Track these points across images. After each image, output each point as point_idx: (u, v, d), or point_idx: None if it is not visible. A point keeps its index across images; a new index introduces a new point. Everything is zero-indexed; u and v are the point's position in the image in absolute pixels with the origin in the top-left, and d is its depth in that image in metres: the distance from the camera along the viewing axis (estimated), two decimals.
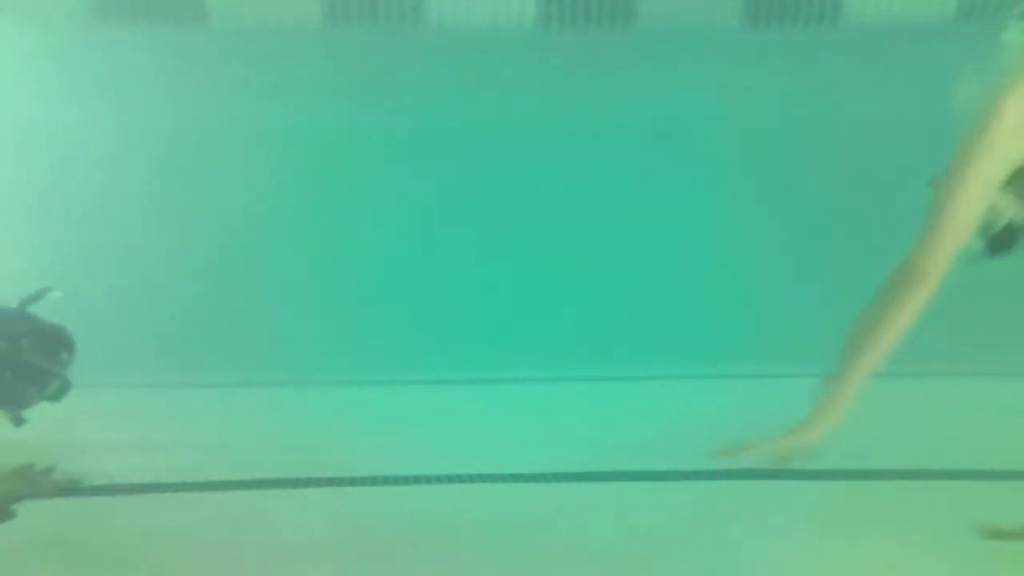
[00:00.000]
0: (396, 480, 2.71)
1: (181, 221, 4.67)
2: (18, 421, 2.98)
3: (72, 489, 2.58)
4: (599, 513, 2.41)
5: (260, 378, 4.42)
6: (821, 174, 4.59)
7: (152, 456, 3.07)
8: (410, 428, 3.59)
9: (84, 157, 4.66)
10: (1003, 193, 1.82)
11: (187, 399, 4.08)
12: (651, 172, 4.85)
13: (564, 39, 4.64)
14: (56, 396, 2.99)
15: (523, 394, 4.31)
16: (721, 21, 4.51)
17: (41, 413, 2.92)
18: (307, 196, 4.90)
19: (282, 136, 4.82)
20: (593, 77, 4.81)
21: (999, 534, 1.96)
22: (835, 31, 4.43)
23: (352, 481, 2.70)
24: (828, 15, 4.44)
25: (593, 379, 4.46)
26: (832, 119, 4.64)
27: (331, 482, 2.71)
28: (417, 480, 2.71)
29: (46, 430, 2.92)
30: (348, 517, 2.35)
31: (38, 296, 2.97)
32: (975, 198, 1.76)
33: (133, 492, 2.58)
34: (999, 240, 1.88)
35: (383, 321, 4.85)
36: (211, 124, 4.74)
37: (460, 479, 2.71)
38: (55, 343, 2.97)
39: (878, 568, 1.95)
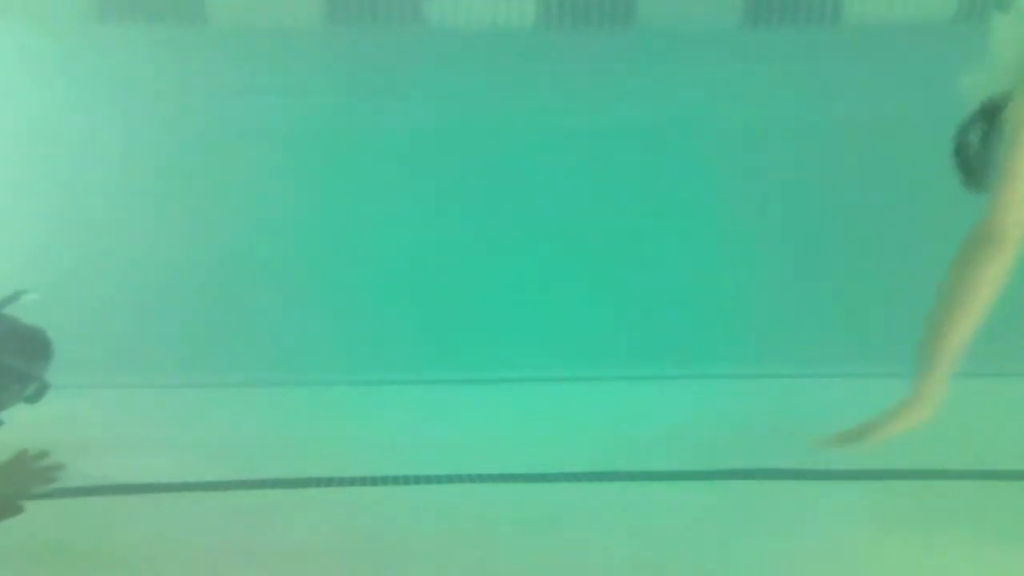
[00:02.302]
0: (396, 480, 2.71)
1: (181, 221, 4.67)
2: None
3: (73, 487, 2.57)
4: (599, 513, 2.41)
5: (260, 378, 4.42)
6: (821, 174, 4.60)
7: (152, 456, 3.08)
8: (410, 428, 3.59)
9: (83, 157, 4.66)
10: None
11: (187, 399, 4.08)
12: (651, 172, 4.85)
13: (564, 39, 4.64)
14: (34, 398, 2.98)
15: (523, 394, 4.30)
16: (721, 21, 4.51)
17: (42, 413, 2.93)
18: (307, 196, 4.90)
19: (282, 136, 4.83)
20: (593, 77, 4.81)
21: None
22: (835, 31, 4.43)
23: (352, 481, 2.70)
24: (828, 15, 4.44)
25: (593, 379, 4.46)
26: (832, 119, 4.64)
27: (331, 482, 2.71)
28: (417, 480, 2.71)
29: (45, 430, 2.92)
30: (348, 517, 2.36)
31: (13, 298, 2.95)
32: None
33: (133, 492, 2.58)
34: None
35: (383, 321, 4.85)
36: (211, 124, 4.74)
37: (460, 479, 2.72)
38: (33, 345, 2.96)
39: (878, 568, 1.95)
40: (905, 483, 2.64)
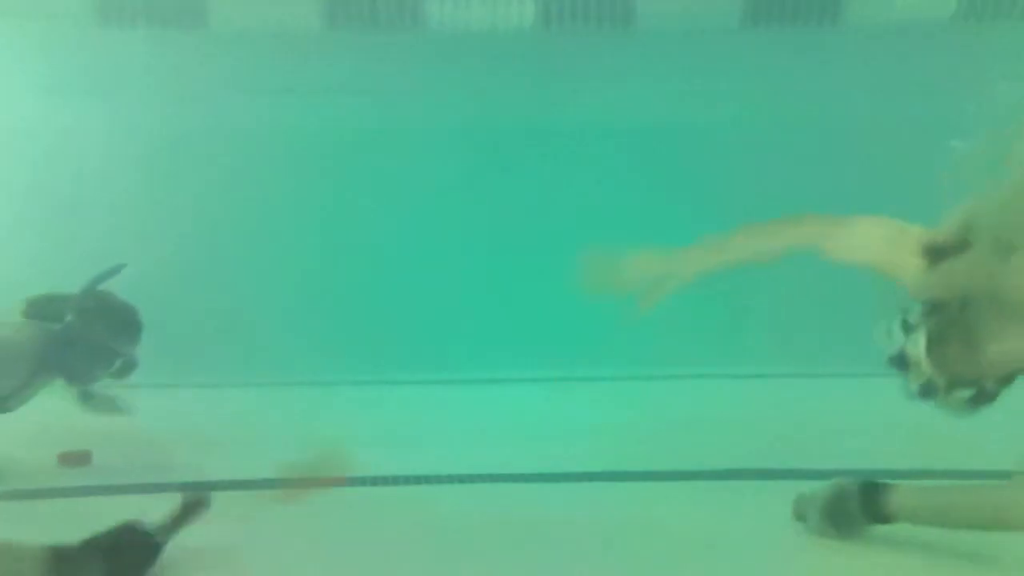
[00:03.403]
0: (396, 480, 2.71)
1: (181, 221, 4.68)
2: (84, 397, 3.03)
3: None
4: (600, 513, 2.41)
5: (260, 378, 4.42)
6: (821, 173, 4.60)
7: (153, 456, 3.08)
8: (410, 428, 3.59)
9: (83, 157, 4.67)
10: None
11: (187, 399, 4.09)
12: (651, 172, 4.85)
13: (563, 40, 4.64)
14: (122, 374, 3.02)
15: (523, 394, 4.31)
16: (721, 21, 4.51)
17: (44, 413, 2.93)
18: (308, 197, 4.91)
19: (282, 137, 4.84)
20: (593, 78, 4.81)
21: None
22: (834, 31, 4.44)
23: (352, 481, 2.70)
24: (828, 15, 4.44)
25: (593, 379, 4.47)
26: (832, 118, 4.65)
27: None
28: (417, 480, 2.71)
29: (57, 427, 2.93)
30: (348, 517, 2.35)
31: (113, 272, 2.99)
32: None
33: (133, 492, 2.58)
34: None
35: (383, 321, 4.85)
36: (211, 124, 4.75)
37: (460, 479, 2.72)
38: (124, 321, 3.00)
39: (878, 568, 1.95)
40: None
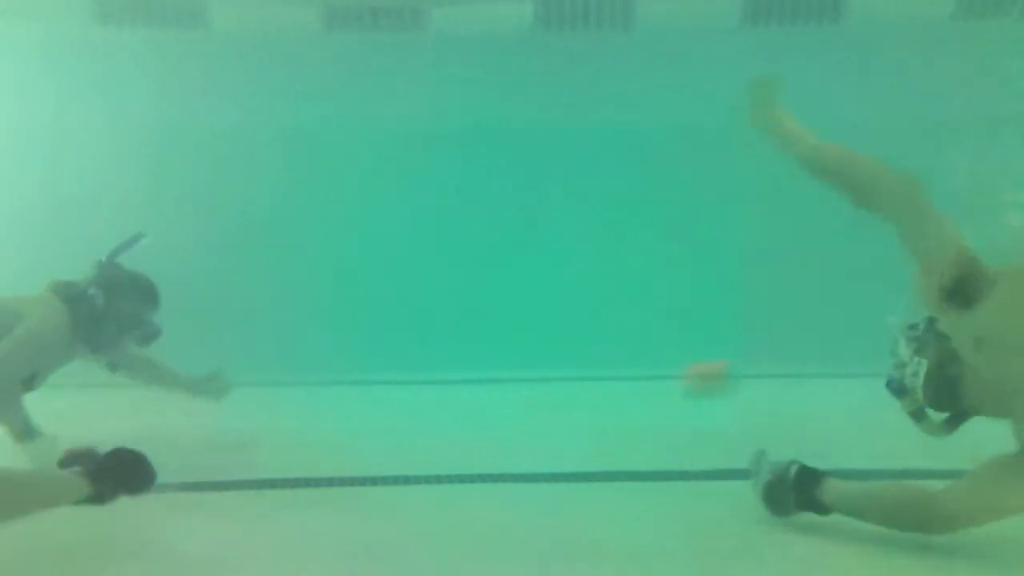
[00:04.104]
0: (396, 480, 2.71)
1: (181, 221, 4.68)
2: (112, 367, 3.06)
3: None
4: (599, 513, 2.41)
5: (260, 378, 4.42)
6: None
7: (153, 456, 3.07)
8: (410, 428, 3.59)
9: (83, 157, 4.68)
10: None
11: (187, 399, 4.08)
12: (651, 173, 4.86)
13: (563, 41, 4.65)
14: (147, 341, 3.05)
15: (523, 394, 4.31)
16: (720, 22, 4.52)
17: (45, 413, 2.93)
18: (308, 197, 4.91)
19: (281, 137, 4.84)
20: (593, 78, 4.82)
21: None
22: (834, 30, 4.44)
23: (352, 481, 2.71)
24: (828, 14, 4.44)
25: (593, 379, 4.46)
26: (831, 118, 4.64)
27: (331, 482, 2.71)
28: (417, 480, 2.71)
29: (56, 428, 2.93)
30: (348, 517, 2.36)
31: (132, 243, 3.02)
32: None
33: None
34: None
35: (383, 321, 4.86)
36: (210, 124, 4.75)
37: (460, 479, 2.72)
38: (145, 288, 3.04)
39: (879, 567, 1.95)
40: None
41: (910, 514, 1.96)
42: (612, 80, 4.84)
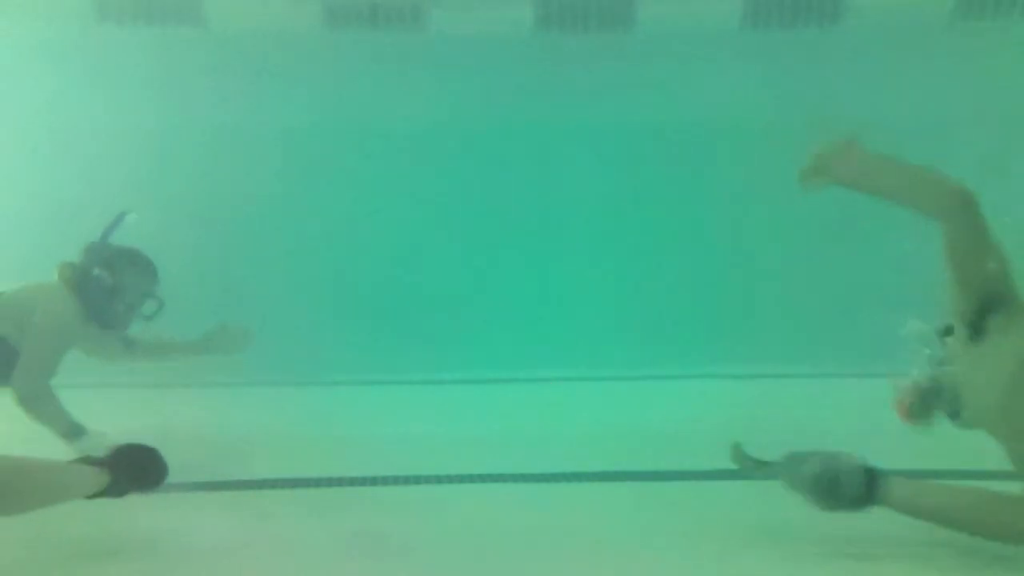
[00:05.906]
0: (396, 480, 2.71)
1: (180, 221, 4.68)
2: (128, 343, 3.06)
3: None
4: (599, 513, 2.41)
5: (260, 378, 4.42)
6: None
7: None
8: (410, 428, 3.59)
9: (82, 156, 4.67)
10: None
11: (188, 399, 4.08)
12: (651, 173, 4.86)
13: (562, 42, 4.65)
14: (153, 314, 3.06)
15: (523, 394, 4.31)
16: (720, 22, 4.52)
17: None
18: (308, 197, 4.91)
19: (280, 137, 4.84)
20: (593, 79, 4.82)
21: None
22: (834, 30, 4.44)
23: (352, 481, 2.71)
24: (828, 15, 4.44)
25: (593, 379, 4.47)
26: (831, 118, 4.65)
27: (331, 482, 2.71)
28: (417, 480, 2.71)
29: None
30: (348, 517, 2.36)
31: (118, 221, 3.06)
32: None
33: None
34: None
35: (384, 321, 4.86)
36: (209, 125, 4.75)
37: (460, 479, 2.72)
38: (144, 262, 3.06)
39: (878, 567, 1.96)
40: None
41: (1006, 521, 1.86)
42: (612, 80, 4.85)
